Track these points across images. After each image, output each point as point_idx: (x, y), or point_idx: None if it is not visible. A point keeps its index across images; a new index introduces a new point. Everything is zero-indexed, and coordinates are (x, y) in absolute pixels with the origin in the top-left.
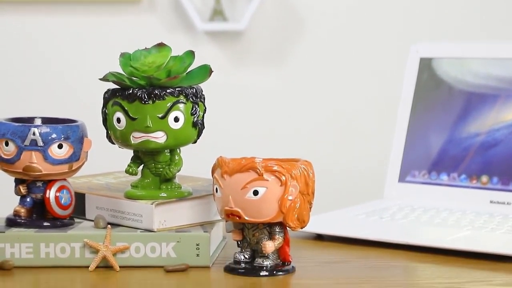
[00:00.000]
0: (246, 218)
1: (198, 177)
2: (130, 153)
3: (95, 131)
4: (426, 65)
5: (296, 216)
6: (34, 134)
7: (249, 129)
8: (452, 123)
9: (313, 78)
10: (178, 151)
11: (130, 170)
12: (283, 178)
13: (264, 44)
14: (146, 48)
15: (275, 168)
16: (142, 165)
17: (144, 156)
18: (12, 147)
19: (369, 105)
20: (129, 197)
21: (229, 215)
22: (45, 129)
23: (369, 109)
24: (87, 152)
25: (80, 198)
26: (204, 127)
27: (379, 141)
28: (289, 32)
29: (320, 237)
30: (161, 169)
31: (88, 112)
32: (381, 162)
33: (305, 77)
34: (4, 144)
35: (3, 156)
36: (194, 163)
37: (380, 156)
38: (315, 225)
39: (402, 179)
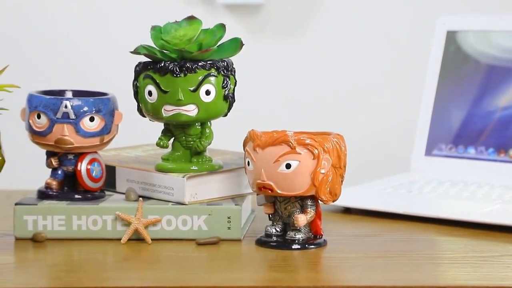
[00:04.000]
0: (279, 191)
1: (226, 150)
2: (156, 126)
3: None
4: (452, 38)
5: (328, 189)
6: (66, 107)
7: (269, 102)
8: (480, 96)
9: (335, 51)
10: (209, 124)
11: (161, 143)
12: (316, 151)
13: (284, 17)
14: (176, 21)
15: (308, 141)
16: (173, 138)
17: (175, 129)
18: (44, 120)
19: (394, 78)
20: (160, 170)
21: (261, 188)
22: (77, 102)
23: (394, 82)
24: (117, 125)
25: (110, 171)
26: (234, 100)
27: (405, 114)
28: (309, 4)
29: (347, 211)
30: (191, 142)
31: (110, 85)
32: (407, 136)
33: (327, 50)
34: (36, 117)
35: (35, 128)
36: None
37: (406, 130)
38: (343, 199)
39: (428, 152)
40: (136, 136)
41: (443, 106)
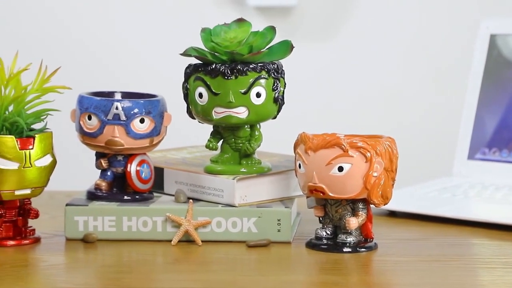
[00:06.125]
0: (330, 194)
1: (273, 153)
2: (196, 127)
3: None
4: (496, 41)
5: (380, 192)
6: (117, 108)
7: (300, 105)
8: None
9: (371, 54)
10: (258, 126)
11: (211, 145)
12: (368, 154)
13: (316, 19)
14: (225, 23)
15: (360, 144)
16: (222, 140)
17: (224, 131)
18: (95, 121)
19: (436, 81)
20: (209, 172)
21: (313, 191)
22: (128, 103)
23: (436, 85)
24: (166, 126)
25: (158, 173)
26: (284, 103)
27: (447, 118)
28: (341, 5)
29: (392, 214)
30: (241, 145)
31: (153, 86)
32: (449, 139)
33: (362, 52)
34: (87, 118)
35: (85, 129)
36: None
37: (448, 133)
38: None
39: (471, 156)
40: (174, 138)
41: (486, 109)
